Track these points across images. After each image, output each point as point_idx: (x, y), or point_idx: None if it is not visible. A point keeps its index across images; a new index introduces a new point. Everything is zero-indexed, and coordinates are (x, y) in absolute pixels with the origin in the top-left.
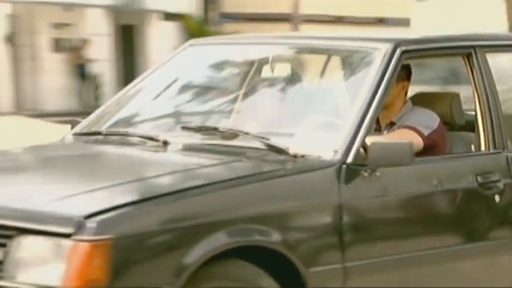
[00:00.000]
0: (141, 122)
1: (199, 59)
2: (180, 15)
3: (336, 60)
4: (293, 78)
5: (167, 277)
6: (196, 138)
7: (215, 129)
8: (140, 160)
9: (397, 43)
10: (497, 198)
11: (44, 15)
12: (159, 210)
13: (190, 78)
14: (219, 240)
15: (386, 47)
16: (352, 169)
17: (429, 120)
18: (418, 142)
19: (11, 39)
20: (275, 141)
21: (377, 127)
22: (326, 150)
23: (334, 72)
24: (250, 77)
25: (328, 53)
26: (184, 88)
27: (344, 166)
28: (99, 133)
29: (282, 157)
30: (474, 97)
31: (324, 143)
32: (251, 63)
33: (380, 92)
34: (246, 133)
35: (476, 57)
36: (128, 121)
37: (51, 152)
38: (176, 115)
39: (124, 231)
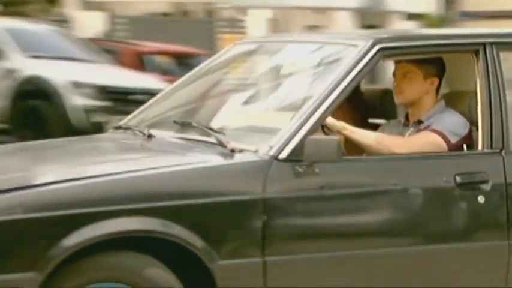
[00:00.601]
0: (158, 116)
1: (239, 57)
2: (421, 15)
3: (317, 56)
4: (271, 74)
5: (29, 266)
6: (174, 133)
7: (189, 124)
8: (100, 152)
9: (377, 40)
10: (480, 199)
11: (298, 19)
12: (25, 199)
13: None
14: (88, 232)
15: (363, 44)
16: (284, 165)
17: (459, 126)
18: (443, 148)
19: None
20: (221, 135)
21: (406, 124)
22: (263, 145)
23: (311, 68)
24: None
25: (313, 48)
26: (208, 84)
27: (275, 161)
28: (120, 127)
29: (218, 151)
30: (478, 96)
31: (265, 138)
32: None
33: (339, 89)
34: (208, 128)
35: (485, 55)
36: (151, 115)
37: (63, 142)
38: (183, 110)
39: None
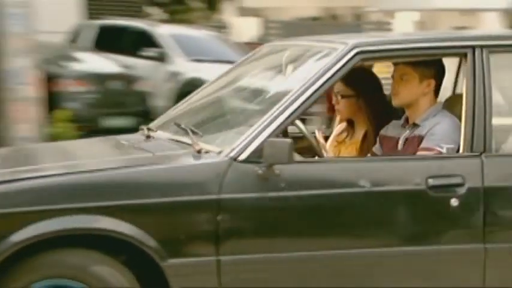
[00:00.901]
0: (175, 117)
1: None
2: None
3: (302, 58)
4: (262, 75)
5: None
6: (171, 134)
7: (179, 125)
8: (80, 152)
9: (355, 44)
10: (454, 202)
11: (445, 20)
12: None
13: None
14: (33, 229)
15: (342, 47)
16: (244, 166)
17: (451, 135)
18: None
19: None
20: (196, 137)
21: (404, 125)
22: (226, 146)
23: (293, 70)
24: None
25: (300, 51)
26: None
27: (234, 163)
28: (142, 129)
29: (186, 152)
30: (463, 98)
31: (230, 140)
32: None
33: (309, 92)
34: (189, 129)
35: (473, 58)
36: (174, 115)
37: (66, 143)
38: (194, 112)
39: None
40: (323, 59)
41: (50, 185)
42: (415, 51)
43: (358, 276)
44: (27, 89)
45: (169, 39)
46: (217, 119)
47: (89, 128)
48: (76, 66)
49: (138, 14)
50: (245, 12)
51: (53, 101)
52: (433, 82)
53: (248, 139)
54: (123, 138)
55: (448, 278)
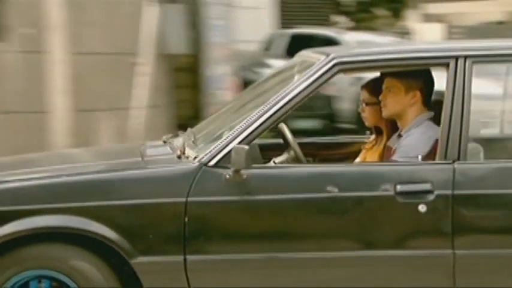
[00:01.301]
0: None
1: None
2: None
3: (291, 69)
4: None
5: None
6: (181, 140)
7: (181, 132)
8: (82, 157)
9: (335, 55)
10: (421, 208)
11: None
12: None
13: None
14: (12, 227)
15: (323, 58)
16: (213, 171)
17: (416, 147)
18: None
19: None
20: (182, 143)
21: (399, 135)
22: (200, 153)
23: (280, 81)
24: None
25: (292, 62)
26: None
27: (204, 168)
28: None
29: (168, 157)
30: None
31: (206, 147)
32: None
33: (284, 101)
34: (184, 135)
35: (455, 68)
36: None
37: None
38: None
39: None
40: (306, 70)
41: (29, 186)
42: (394, 61)
43: (323, 279)
44: (225, 94)
45: (355, 45)
46: (219, 127)
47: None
48: (269, 73)
49: (326, 23)
50: (429, 18)
51: None
52: (418, 93)
53: (220, 146)
54: (148, 144)
55: (417, 283)
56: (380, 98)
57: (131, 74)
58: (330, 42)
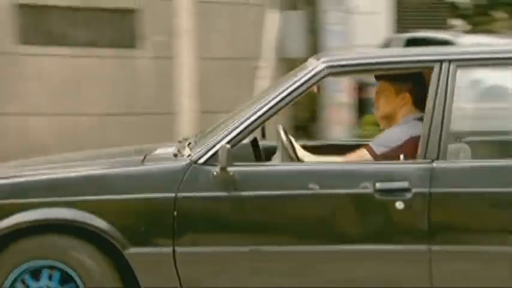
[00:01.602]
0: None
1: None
2: None
3: (291, 74)
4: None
5: None
6: (190, 139)
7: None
8: (96, 156)
9: (325, 59)
10: (399, 205)
11: None
12: None
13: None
14: (15, 219)
15: (315, 62)
16: (202, 168)
17: (390, 139)
18: (368, 159)
19: None
20: (182, 144)
21: None
22: (193, 151)
23: (278, 87)
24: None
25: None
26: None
27: (194, 165)
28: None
29: (165, 156)
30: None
31: (199, 146)
32: None
33: (273, 102)
34: (184, 137)
35: (439, 72)
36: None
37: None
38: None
39: None
40: (299, 73)
41: (30, 182)
42: (381, 65)
43: (302, 272)
44: (342, 96)
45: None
46: (221, 129)
47: None
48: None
49: (443, 27)
50: None
51: (362, 106)
52: (408, 95)
53: (210, 145)
54: (165, 143)
55: (394, 277)
56: (374, 100)
57: (252, 78)
58: (445, 45)
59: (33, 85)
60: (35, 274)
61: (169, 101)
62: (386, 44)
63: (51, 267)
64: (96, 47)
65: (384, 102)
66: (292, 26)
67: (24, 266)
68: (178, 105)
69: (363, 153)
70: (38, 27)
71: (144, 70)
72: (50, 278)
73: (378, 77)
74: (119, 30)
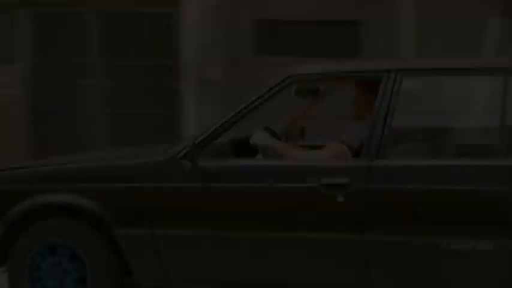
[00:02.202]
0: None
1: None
2: None
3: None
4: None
5: None
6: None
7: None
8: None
9: (291, 70)
10: (339, 198)
11: None
12: None
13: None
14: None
15: (282, 72)
16: (180, 162)
17: (346, 133)
18: (346, 152)
19: None
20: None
21: None
22: (178, 148)
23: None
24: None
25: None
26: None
27: (174, 160)
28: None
29: (161, 151)
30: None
31: (184, 142)
32: None
33: (238, 109)
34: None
35: (387, 81)
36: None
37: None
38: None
39: None
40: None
41: (42, 171)
42: (339, 74)
43: (258, 253)
44: None
45: None
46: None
47: None
48: None
49: None
50: None
51: None
52: (372, 98)
53: (187, 142)
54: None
55: (331, 260)
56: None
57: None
58: None
59: None
60: (51, 251)
61: None
62: None
63: (64, 246)
64: (320, 56)
65: (358, 103)
66: None
67: (45, 243)
68: None
69: (341, 148)
70: (273, 39)
71: None
72: (63, 255)
73: (355, 83)
74: (342, 41)
